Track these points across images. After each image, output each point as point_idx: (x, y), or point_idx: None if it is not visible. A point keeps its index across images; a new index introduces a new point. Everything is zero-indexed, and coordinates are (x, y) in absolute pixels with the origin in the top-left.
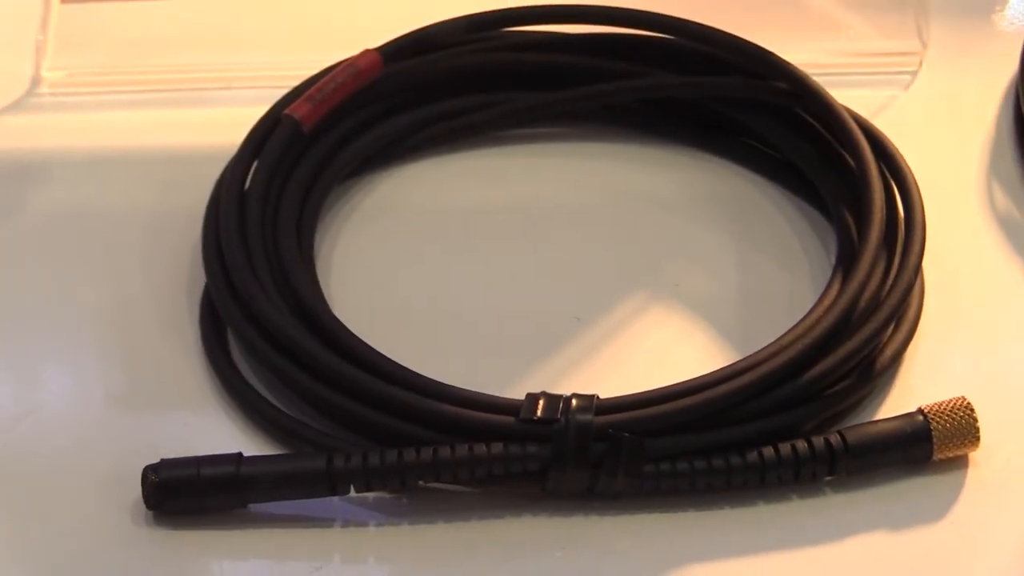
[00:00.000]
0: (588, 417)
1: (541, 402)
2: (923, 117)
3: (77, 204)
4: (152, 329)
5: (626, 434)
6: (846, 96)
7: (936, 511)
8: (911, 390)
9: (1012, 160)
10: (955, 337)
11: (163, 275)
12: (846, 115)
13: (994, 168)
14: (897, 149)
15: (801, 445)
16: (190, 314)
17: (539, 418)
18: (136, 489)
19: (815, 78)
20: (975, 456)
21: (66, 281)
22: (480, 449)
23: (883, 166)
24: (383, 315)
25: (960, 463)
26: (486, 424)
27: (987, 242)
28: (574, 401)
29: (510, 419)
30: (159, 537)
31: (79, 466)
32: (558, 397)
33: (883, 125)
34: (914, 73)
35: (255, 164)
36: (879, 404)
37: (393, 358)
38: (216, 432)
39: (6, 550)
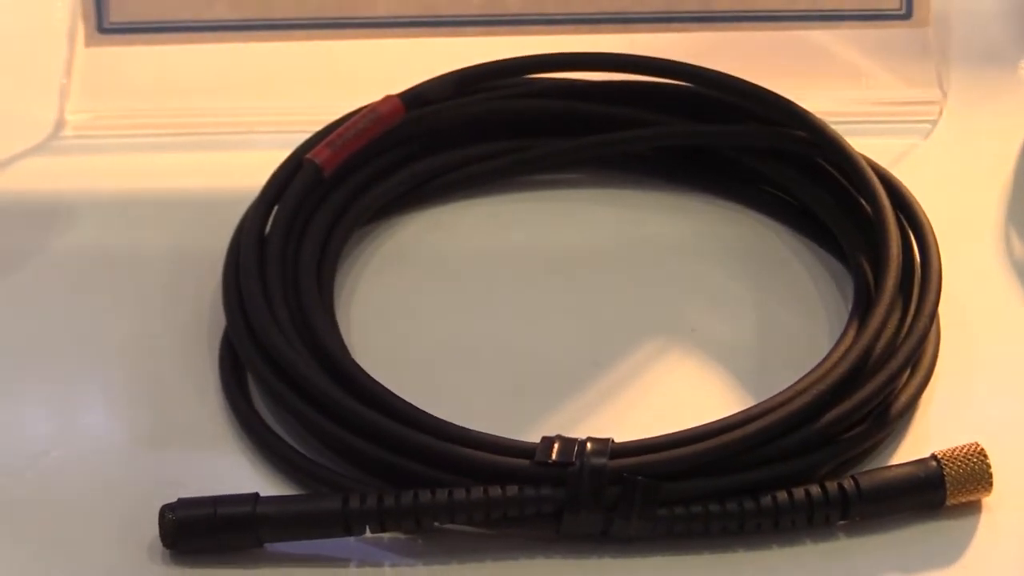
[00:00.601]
0: (603, 461)
1: (556, 445)
2: (942, 165)
3: (100, 246)
4: (173, 370)
5: (640, 478)
6: (866, 144)
7: (949, 556)
8: (926, 435)
9: None
10: (970, 383)
11: (184, 317)
12: (864, 163)
13: (1012, 216)
14: (914, 197)
15: (815, 490)
16: (210, 355)
17: (554, 461)
18: (154, 527)
19: (835, 126)
20: (988, 501)
21: (89, 320)
22: (495, 491)
23: (900, 214)
24: (401, 358)
25: (973, 508)
26: (501, 467)
27: (1004, 290)
28: (589, 444)
29: (525, 462)
30: (175, 575)
31: (98, 503)
32: (573, 440)
33: (903, 173)
34: (934, 122)
35: (275, 208)
36: (894, 449)
37: (410, 400)
38: (234, 472)
39: None
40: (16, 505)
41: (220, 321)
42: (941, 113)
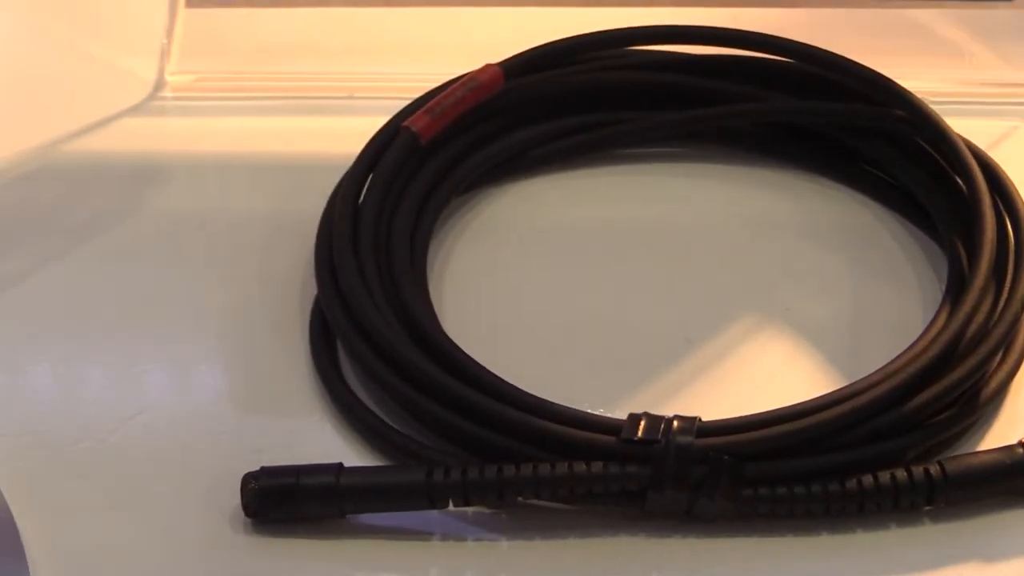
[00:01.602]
0: (689, 439)
1: (643, 423)
2: None
3: (196, 207)
4: (264, 335)
5: (726, 457)
6: (966, 125)
7: None
8: (1016, 422)
9: None
10: None
11: (278, 282)
12: (961, 144)
13: None
14: (1010, 179)
15: (901, 474)
16: (301, 322)
17: (640, 438)
18: (236, 495)
19: (936, 106)
20: None
21: (181, 283)
22: (580, 467)
23: (996, 196)
24: (492, 331)
25: None
26: (587, 442)
27: None
28: (675, 423)
29: (611, 438)
30: (256, 544)
31: (182, 469)
32: (660, 418)
33: (1002, 155)
34: None
35: (371, 175)
36: (984, 434)
37: (499, 374)
38: (320, 441)
39: (107, 549)
40: (102, 467)
41: (312, 288)
42: None
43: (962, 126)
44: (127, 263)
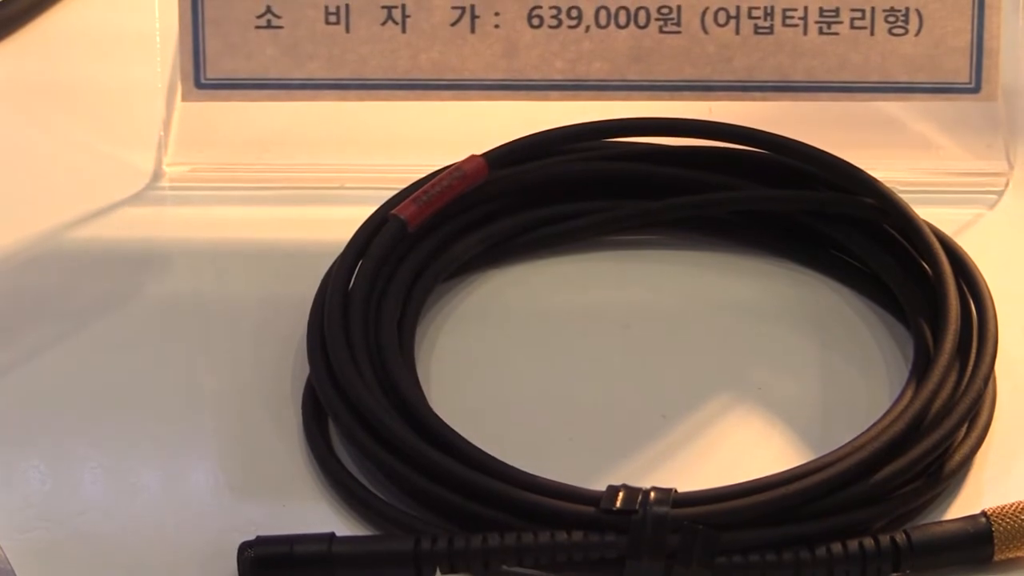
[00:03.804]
0: (665, 509)
1: (621, 494)
2: (1007, 235)
3: (192, 293)
4: (259, 414)
5: (701, 526)
6: (933, 213)
7: None
8: (980, 492)
9: None
10: None
11: (270, 364)
12: (927, 229)
13: None
14: (974, 262)
15: (868, 542)
16: (294, 401)
17: (618, 509)
18: (233, 564)
19: (904, 195)
20: None
21: (178, 366)
22: (561, 536)
23: (961, 279)
24: (478, 409)
25: (1021, 564)
26: (568, 513)
27: None
28: (652, 494)
29: (591, 509)
30: None
31: (182, 540)
32: (637, 490)
33: (968, 242)
34: (1000, 193)
35: (361, 261)
36: (948, 505)
37: (485, 449)
38: (313, 514)
39: None
40: (105, 540)
41: (305, 368)
42: (1008, 185)
43: (929, 214)
44: (127, 347)
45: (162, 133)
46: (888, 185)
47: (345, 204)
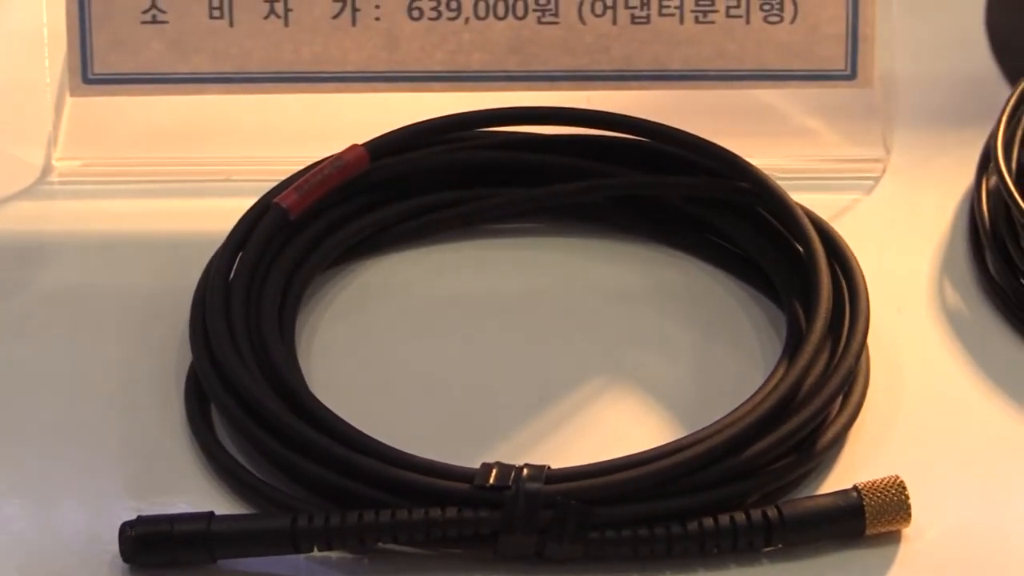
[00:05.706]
0: (537, 485)
1: (494, 471)
2: (883, 220)
3: (80, 284)
4: (142, 400)
5: (573, 502)
6: (810, 199)
7: None
8: (853, 468)
9: (965, 262)
10: (897, 422)
11: (156, 351)
12: (800, 212)
13: (947, 269)
14: (847, 245)
15: (740, 517)
16: (177, 386)
17: (491, 485)
18: (115, 544)
19: (781, 181)
20: (907, 532)
21: (67, 355)
22: (435, 513)
23: (834, 260)
24: (358, 394)
25: (893, 538)
26: (442, 490)
27: (935, 337)
28: (525, 470)
29: (465, 486)
30: None
31: (63, 522)
32: (510, 467)
33: (846, 226)
34: (877, 179)
35: (243, 249)
36: (822, 480)
37: (364, 430)
38: (195, 495)
39: None
40: None
41: (188, 354)
42: (884, 171)
43: (808, 200)
44: (17, 336)
45: (51, 129)
46: (766, 171)
47: (231, 196)
